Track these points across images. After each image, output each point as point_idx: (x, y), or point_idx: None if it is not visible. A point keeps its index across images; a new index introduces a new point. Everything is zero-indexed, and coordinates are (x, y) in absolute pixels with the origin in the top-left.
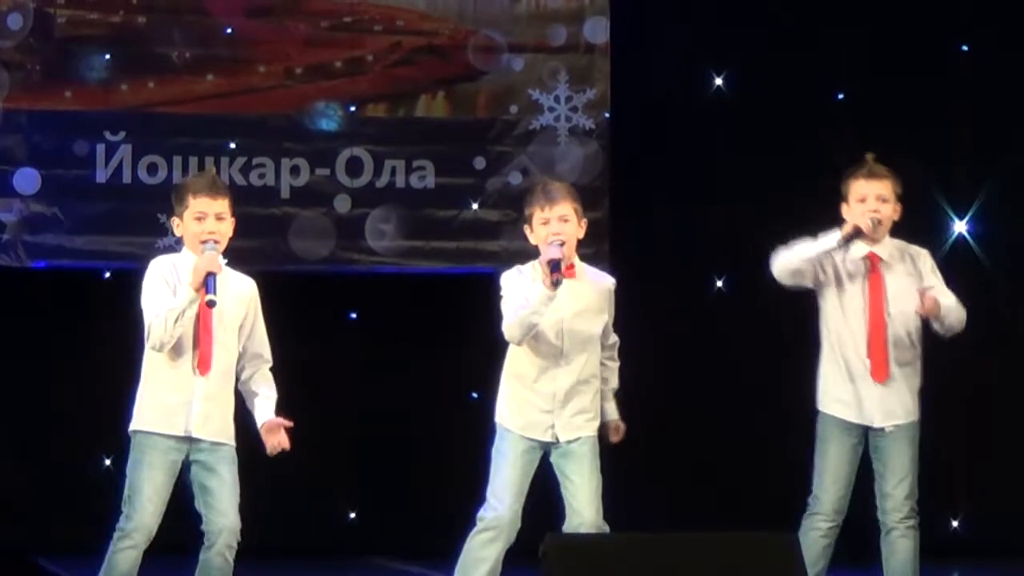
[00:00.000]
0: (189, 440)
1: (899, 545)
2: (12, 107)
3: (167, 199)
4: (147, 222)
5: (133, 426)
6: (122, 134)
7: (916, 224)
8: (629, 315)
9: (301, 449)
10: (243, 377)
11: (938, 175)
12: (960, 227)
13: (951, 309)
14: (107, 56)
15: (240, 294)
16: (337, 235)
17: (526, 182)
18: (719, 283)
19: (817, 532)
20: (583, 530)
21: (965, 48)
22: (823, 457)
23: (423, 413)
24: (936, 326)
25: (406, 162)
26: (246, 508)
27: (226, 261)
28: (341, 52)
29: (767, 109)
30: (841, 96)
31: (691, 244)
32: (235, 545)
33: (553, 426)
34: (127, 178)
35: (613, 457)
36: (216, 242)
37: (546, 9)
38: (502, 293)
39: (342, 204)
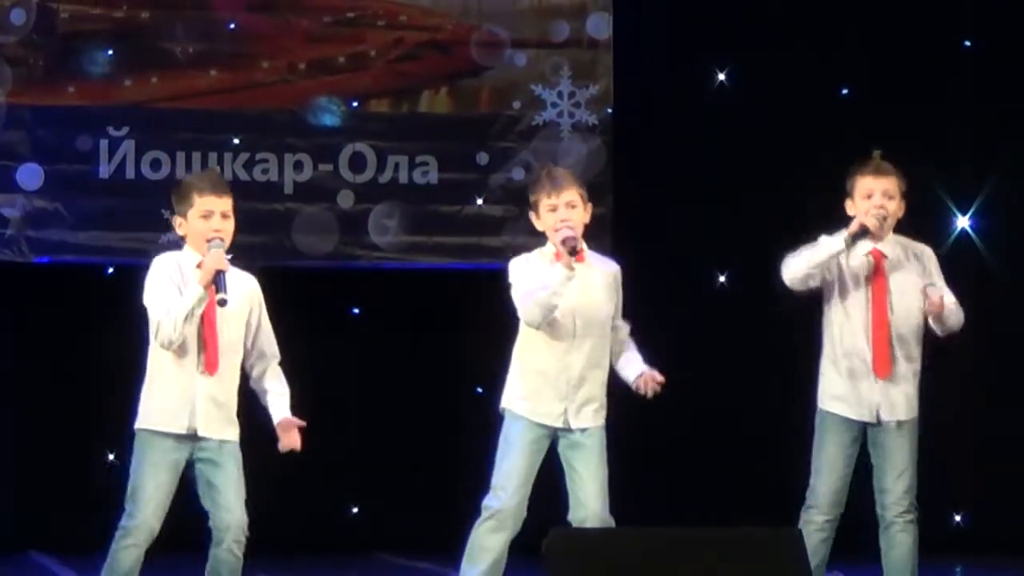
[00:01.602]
0: (193, 438)
1: (898, 540)
2: (15, 102)
3: (170, 195)
4: (150, 218)
5: (138, 424)
6: (125, 129)
7: (919, 220)
8: (631, 310)
9: (304, 445)
10: (254, 375)
11: (941, 171)
12: (963, 223)
13: (952, 311)
14: (110, 51)
15: (242, 292)
16: (340, 231)
17: (529, 178)
18: (721, 278)
19: (813, 526)
20: (588, 523)
21: (968, 44)
22: (820, 452)
23: (427, 408)
24: (935, 326)
25: (409, 158)
26: (249, 503)
27: (230, 257)
28: (344, 47)
29: (770, 104)
30: (845, 92)
31: (694, 239)
32: (243, 540)
33: (565, 411)
34: (130, 174)
35: (614, 451)
36: (222, 240)
37: (549, 4)
38: (512, 280)
39: (345, 200)
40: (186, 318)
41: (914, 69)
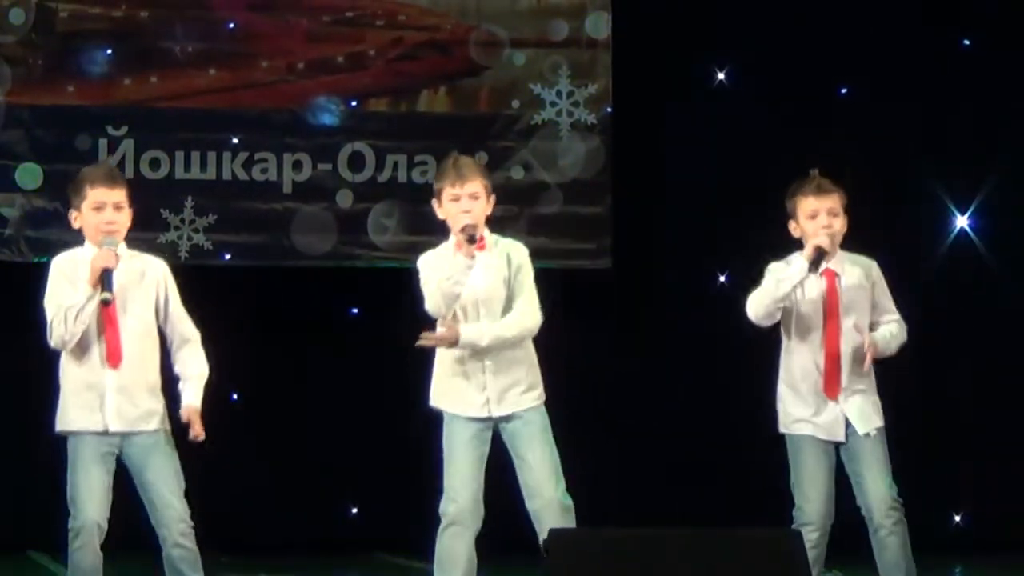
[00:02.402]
0: (113, 434)
1: (888, 543)
2: (14, 102)
3: (169, 194)
4: (149, 217)
5: (57, 427)
6: (124, 129)
7: (918, 219)
8: (631, 310)
9: (303, 445)
10: (172, 358)
11: (940, 170)
12: (962, 222)
13: (893, 337)
14: (109, 51)
15: (148, 277)
16: (339, 230)
17: (528, 177)
18: (721, 278)
19: (808, 543)
20: (545, 511)
21: (967, 43)
22: (800, 471)
23: (427, 408)
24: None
25: (408, 157)
26: (248, 503)
27: (228, 257)
28: (343, 47)
29: (769, 104)
30: (844, 91)
31: (693, 239)
32: (188, 531)
33: (487, 400)
34: (129, 173)
35: (611, 450)
36: (115, 232)
37: (548, 4)
38: (420, 276)
39: (344, 199)
40: (76, 317)
41: (913, 69)
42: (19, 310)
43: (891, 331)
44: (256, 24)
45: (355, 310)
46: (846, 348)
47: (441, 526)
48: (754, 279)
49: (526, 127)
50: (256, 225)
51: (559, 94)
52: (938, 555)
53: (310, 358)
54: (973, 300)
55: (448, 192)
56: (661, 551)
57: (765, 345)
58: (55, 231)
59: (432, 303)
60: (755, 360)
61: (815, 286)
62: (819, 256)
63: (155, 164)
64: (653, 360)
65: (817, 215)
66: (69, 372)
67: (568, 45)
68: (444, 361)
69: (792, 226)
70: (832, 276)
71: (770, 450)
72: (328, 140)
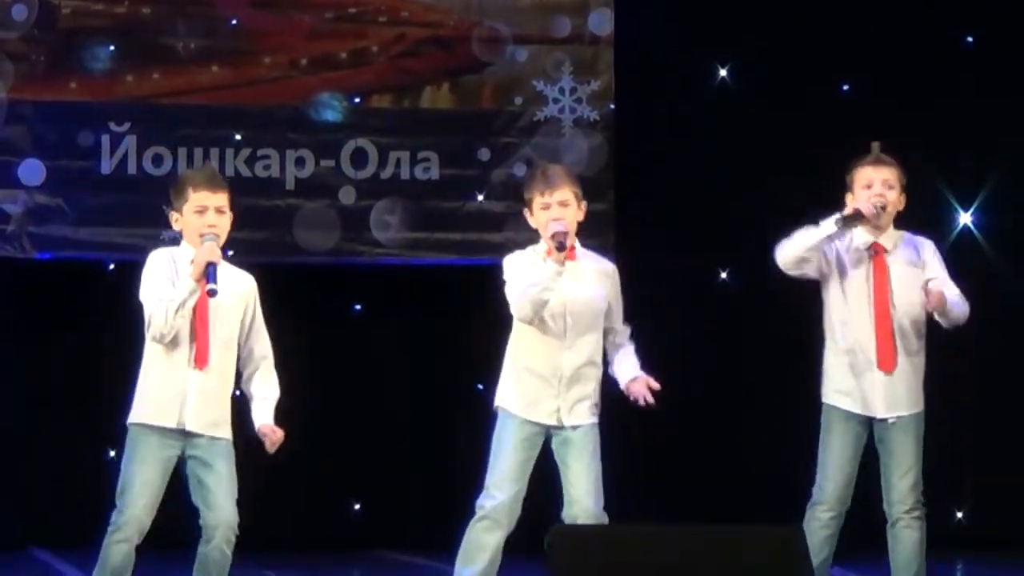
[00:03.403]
0: (184, 434)
1: (904, 536)
2: (17, 98)
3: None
4: (151, 214)
5: (130, 419)
6: (127, 125)
7: (921, 216)
8: (633, 307)
9: (305, 441)
10: (244, 376)
11: (943, 167)
12: (965, 219)
13: (955, 303)
14: (112, 47)
15: (239, 290)
16: (342, 227)
17: (530, 174)
18: (723, 275)
19: (818, 523)
20: (581, 519)
21: (969, 40)
22: (826, 448)
23: (428, 405)
24: (940, 319)
25: (411, 153)
26: (250, 500)
27: (231, 254)
28: (346, 43)
29: (772, 100)
30: (846, 87)
31: (695, 235)
32: (233, 539)
33: (558, 409)
34: (132, 169)
35: (616, 450)
36: (216, 235)
37: (550, 0)
38: (505, 276)
39: (347, 196)
40: (177, 310)
41: (916, 65)
42: (20, 307)
43: (950, 295)
44: (259, 20)
45: (358, 307)
46: (897, 323)
47: (475, 518)
48: (757, 276)
49: (529, 124)
50: (259, 221)
51: (562, 91)
52: (940, 551)
53: (312, 355)
54: (976, 297)
55: (538, 201)
56: (663, 548)
57: (766, 341)
58: (57, 227)
59: (519, 310)
60: (757, 355)
61: (862, 258)
62: (854, 216)
63: (158, 160)
64: (653, 358)
65: (872, 185)
66: (154, 366)
67: (571, 41)
68: (517, 365)
69: (848, 198)
70: (880, 249)
71: (771, 449)
72: (331, 136)
